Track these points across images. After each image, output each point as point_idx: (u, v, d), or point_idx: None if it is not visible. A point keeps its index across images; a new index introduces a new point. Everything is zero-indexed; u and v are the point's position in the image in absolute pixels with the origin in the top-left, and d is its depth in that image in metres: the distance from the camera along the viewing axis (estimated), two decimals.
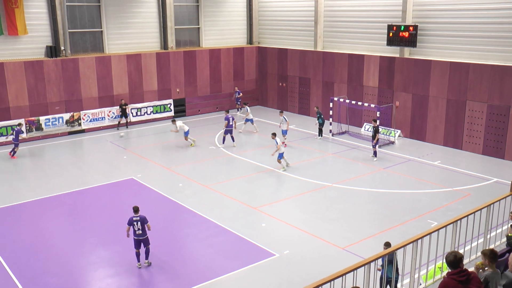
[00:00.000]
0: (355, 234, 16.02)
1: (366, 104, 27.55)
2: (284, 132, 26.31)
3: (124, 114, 30.74)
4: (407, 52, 27.35)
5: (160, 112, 33.04)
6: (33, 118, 28.33)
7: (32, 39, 28.57)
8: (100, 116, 30.61)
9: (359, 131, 29.10)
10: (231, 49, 35.78)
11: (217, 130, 29.96)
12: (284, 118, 26.59)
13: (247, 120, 29.38)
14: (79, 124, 29.88)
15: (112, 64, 30.76)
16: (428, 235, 9.61)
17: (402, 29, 26.44)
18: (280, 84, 35.44)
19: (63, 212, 18.77)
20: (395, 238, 14.87)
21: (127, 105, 30.78)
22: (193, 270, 14.22)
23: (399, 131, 27.67)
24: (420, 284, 10.12)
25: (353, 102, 28.13)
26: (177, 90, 33.56)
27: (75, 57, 29.62)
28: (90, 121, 30.29)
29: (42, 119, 28.60)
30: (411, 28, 26.12)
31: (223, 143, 26.49)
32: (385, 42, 27.51)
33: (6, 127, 27.46)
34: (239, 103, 34.63)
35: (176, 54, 33.23)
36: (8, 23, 27.36)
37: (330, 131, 28.27)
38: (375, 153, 23.88)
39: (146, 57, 32.03)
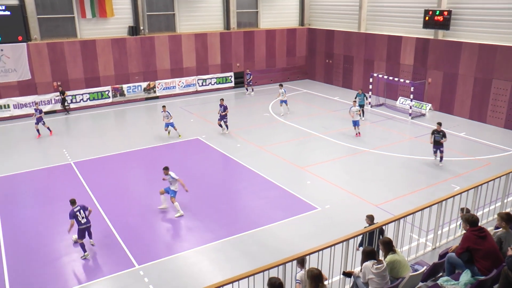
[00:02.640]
0: (387, 194, 15.81)
1: (401, 80, 26.73)
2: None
3: (63, 102, 27.28)
4: (441, 34, 26.17)
5: (222, 83, 33.14)
6: (117, 86, 29.09)
7: (117, 20, 29.03)
8: (171, 85, 31.01)
9: (395, 103, 28.34)
10: (285, 30, 35.22)
11: (271, 99, 29.85)
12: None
13: (282, 101, 26.34)
14: (154, 92, 30.42)
15: (182, 41, 30.90)
16: (452, 198, 9.43)
17: (437, 13, 25.34)
18: (327, 61, 34.77)
19: (140, 164, 19.34)
20: (422, 199, 14.65)
21: (65, 92, 27.06)
22: (247, 218, 14.44)
23: (430, 104, 26.77)
24: (442, 239, 9.99)
25: (390, 78, 27.40)
26: (237, 64, 33.48)
27: (151, 35, 29.93)
28: (163, 89, 30.76)
29: (125, 86, 29.30)
30: (445, 13, 24.96)
31: (226, 129, 22.94)
32: (421, 25, 26.44)
33: (97, 92, 28.41)
34: (251, 84, 31.98)
35: (237, 34, 33.02)
36: (99, 7, 27.93)
37: (369, 103, 27.68)
38: (441, 158, 18.42)
39: (211, 36, 31.98)
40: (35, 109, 22.93)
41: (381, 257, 7.76)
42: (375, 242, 8.84)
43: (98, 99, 28.57)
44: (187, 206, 15.22)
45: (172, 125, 22.37)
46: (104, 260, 12.30)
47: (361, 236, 9.55)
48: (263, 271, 6.97)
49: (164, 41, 30.25)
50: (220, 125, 22.76)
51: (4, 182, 17.46)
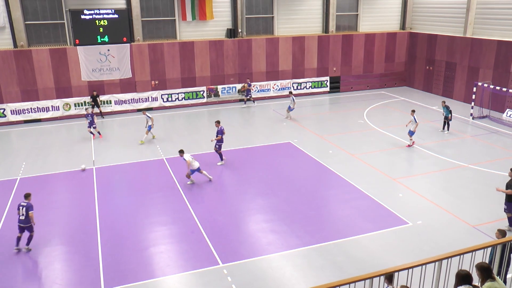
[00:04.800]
0: (486, 215, 14.89)
1: (511, 90, 25.00)
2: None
3: (96, 104, 27.40)
4: None
5: (318, 87, 33.08)
6: (212, 86, 30.14)
7: (216, 23, 30.13)
8: (266, 87, 31.52)
9: (501, 116, 26.56)
10: (385, 34, 34.41)
11: (366, 106, 29.37)
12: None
13: (289, 108, 26.27)
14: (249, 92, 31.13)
15: (280, 44, 31.31)
16: None
17: None
18: (427, 67, 33.46)
19: (231, 165, 19.86)
20: None
21: (98, 96, 27.54)
22: (334, 226, 14.33)
23: None
24: None
25: (497, 87, 25.71)
26: (334, 69, 33.28)
27: (249, 38, 30.66)
28: (258, 91, 31.34)
29: (219, 87, 30.28)
30: None
31: (221, 159, 20.00)
32: None
33: (192, 92, 29.65)
34: (249, 96, 29.94)
35: (335, 37, 32.83)
36: (199, 11, 29.21)
37: (471, 114, 26.24)
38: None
39: (309, 39, 32.08)
40: (86, 114, 23.50)
41: (476, 283, 7.38)
42: (504, 260, 8.41)
43: (192, 98, 29.84)
44: (275, 210, 15.44)
45: (149, 128, 22.56)
46: (189, 254, 12.83)
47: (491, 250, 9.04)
48: (348, 283, 6.90)
49: (261, 43, 30.86)
50: (219, 154, 19.93)
51: (104, 172, 18.84)
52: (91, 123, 22.94)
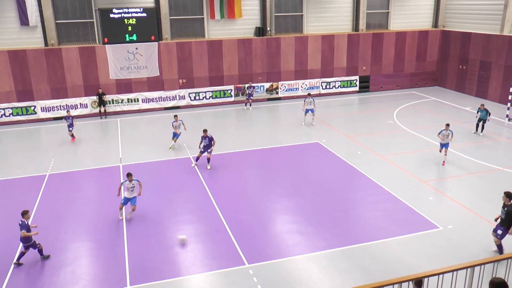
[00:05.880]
0: None
1: None
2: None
3: (102, 102, 27.57)
4: None
5: (347, 86, 32.82)
6: (240, 85, 30.20)
7: (245, 21, 30.19)
8: (294, 86, 31.42)
9: None
10: (416, 32, 33.87)
11: (396, 106, 29.00)
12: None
13: (307, 110, 24.99)
14: (277, 93, 31.07)
15: (309, 43, 31.16)
16: None
17: None
18: (460, 66, 32.79)
19: (257, 164, 19.86)
20: None
21: (105, 94, 27.56)
22: (362, 229, 14.17)
23: None
24: None
25: None
26: (363, 68, 32.94)
27: (278, 36, 30.61)
28: (286, 90, 31.29)
29: (247, 86, 30.33)
30: None
31: (197, 161, 19.62)
32: None
33: (220, 91, 29.79)
34: (251, 98, 29.37)
35: (365, 36, 32.50)
36: (228, 9, 29.32)
37: (507, 115, 25.61)
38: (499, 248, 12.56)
39: (338, 37, 31.85)
40: (65, 117, 22.96)
41: None
42: None
43: (220, 97, 29.98)
44: (301, 211, 15.38)
45: (177, 136, 21.57)
46: (215, 254, 12.88)
47: None
48: (376, 287, 6.84)
49: (290, 42, 30.78)
50: (197, 159, 19.53)
51: (130, 169, 19.05)
52: (70, 126, 22.78)
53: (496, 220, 12.68)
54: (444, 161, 19.22)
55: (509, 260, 7.66)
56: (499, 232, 12.31)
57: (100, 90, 27.46)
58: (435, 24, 34.84)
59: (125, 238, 13.75)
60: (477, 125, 23.17)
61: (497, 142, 22.13)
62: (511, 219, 12.08)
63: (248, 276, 11.81)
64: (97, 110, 27.64)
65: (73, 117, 23.15)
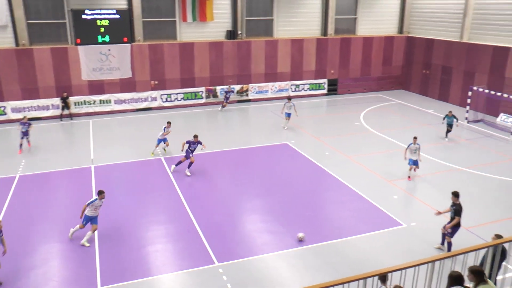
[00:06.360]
0: (480, 217, 14.92)
1: (505, 95, 24.98)
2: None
3: (66, 105, 26.63)
4: None
5: (315, 89, 33.08)
6: (211, 87, 30.10)
7: (216, 24, 30.07)
8: (264, 89, 31.49)
9: (495, 120, 26.60)
10: (383, 38, 34.42)
11: (363, 108, 29.40)
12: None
13: (287, 114, 24.69)
14: (247, 95, 31.08)
15: (279, 46, 31.29)
16: None
17: None
18: (424, 71, 33.48)
19: (228, 165, 19.82)
20: None
21: (68, 97, 26.63)
22: (330, 227, 14.32)
23: None
24: None
25: (492, 92, 25.75)
26: (332, 71, 33.27)
27: (248, 40, 30.64)
28: (256, 92, 31.33)
29: (218, 88, 30.23)
30: None
31: (177, 165, 18.88)
32: None
33: (191, 92, 29.63)
34: (227, 101, 29.05)
35: (333, 40, 32.83)
36: (200, 12, 29.16)
37: (466, 118, 26.25)
38: (445, 243, 13.07)
39: (307, 41, 32.08)
40: (22, 122, 21.18)
41: (467, 284, 7.37)
42: (495, 262, 8.41)
43: (191, 99, 29.81)
44: (271, 210, 15.42)
45: (165, 140, 20.81)
46: (185, 253, 12.80)
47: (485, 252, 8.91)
48: (342, 283, 6.89)
49: (261, 45, 30.84)
50: (180, 163, 18.80)
51: (102, 170, 18.82)
52: (25, 134, 21.09)
53: (444, 212, 13.23)
54: (410, 177, 18.16)
55: (465, 254, 7.87)
56: (449, 230, 12.76)
57: (65, 94, 26.70)
58: (401, 30, 35.47)
59: (96, 239, 13.52)
60: (447, 131, 23.06)
61: (457, 143, 22.66)
62: (456, 216, 12.65)
63: (218, 275, 11.77)
64: (68, 112, 26.95)
65: (30, 123, 21.44)
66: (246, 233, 14.00)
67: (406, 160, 18.23)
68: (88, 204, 13.19)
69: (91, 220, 13.32)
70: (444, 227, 12.92)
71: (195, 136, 18.69)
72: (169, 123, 20.98)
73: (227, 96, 29.02)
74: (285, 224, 14.46)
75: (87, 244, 13.13)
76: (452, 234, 12.75)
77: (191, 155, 18.45)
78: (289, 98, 25.18)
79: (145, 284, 11.45)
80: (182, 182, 17.71)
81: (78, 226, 13.47)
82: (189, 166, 18.50)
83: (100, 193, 13.34)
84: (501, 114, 26.60)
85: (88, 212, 13.22)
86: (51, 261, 12.48)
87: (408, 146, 18.13)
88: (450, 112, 23.07)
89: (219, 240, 13.45)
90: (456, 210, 12.67)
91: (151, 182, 17.79)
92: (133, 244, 13.25)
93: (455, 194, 12.81)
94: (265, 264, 12.31)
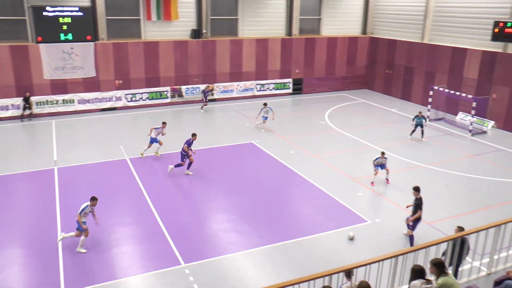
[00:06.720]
0: (441, 212, 15.30)
1: (463, 94, 25.75)
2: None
3: (28, 105, 25.81)
4: (511, 48, 25.08)
5: (280, 89, 33.22)
6: (176, 87, 29.82)
7: (181, 23, 29.80)
8: (230, 88, 31.40)
9: (454, 119, 27.39)
10: (347, 38, 34.87)
11: (328, 107, 29.70)
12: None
13: (264, 117, 24.24)
14: (212, 94, 30.88)
15: (243, 46, 31.26)
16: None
17: (508, 25, 24.18)
18: (387, 71, 34.11)
19: (194, 165, 19.57)
20: (478, 220, 14.11)
21: (30, 97, 25.83)
22: (296, 225, 14.39)
23: (493, 122, 25.66)
24: (499, 265, 9.55)
25: (452, 91, 26.50)
26: (296, 71, 33.47)
27: (213, 39, 30.49)
28: (222, 92, 31.21)
29: (183, 88, 29.97)
30: None
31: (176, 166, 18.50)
32: (489, 38, 25.35)
33: (156, 92, 29.27)
34: (206, 100, 28.77)
35: (298, 40, 33.04)
36: (164, 11, 28.84)
37: (428, 116, 26.86)
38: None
39: (272, 41, 32.18)
40: None
41: (428, 277, 7.53)
42: (454, 254, 8.72)
43: (156, 98, 29.43)
44: (237, 209, 15.39)
45: (156, 141, 20.29)
46: (151, 255, 12.62)
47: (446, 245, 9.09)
48: (308, 280, 6.94)
49: (226, 45, 30.74)
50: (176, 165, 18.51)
51: (65, 172, 18.35)
52: None
53: (407, 207, 13.83)
54: (372, 182, 17.75)
55: (427, 249, 8.05)
56: (410, 224, 13.18)
57: (27, 94, 25.84)
58: (364, 31, 36.02)
59: (59, 243, 13.14)
60: (413, 131, 23.22)
61: (419, 141, 23.15)
62: (418, 209, 13.13)
63: (185, 276, 11.65)
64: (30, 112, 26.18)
65: None
66: (212, 233, 13.92)
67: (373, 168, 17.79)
68: (80, 213, 12.74)
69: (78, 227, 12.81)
70: (407, 219, 13.32)
71: (194, 135, 18.55)
72: (164, 123, 20.52)
73: (206, 95, 28.76)
74: (251, 223, 14.45)
75: (83, 251, 12.71)
76: (413, 227, 13.14)
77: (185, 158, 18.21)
78: (265, 104, 24.63)
79: (110, 287, 11.21)
80: (148, 182, 17.46)
81: (75, 234, 12.94)
82: (188, 167, 18.43)
83: (93, 199, 12.93)
84: (460, 113, 27.39)
85: (82, 218, 12.77)
86: (12, 266, 12.06)
87: (375, 160, 17.67)
88: (420, 112, 23.36)
89: (185, 241, 13.32)
90: (417, 204, 13.15)
91: (116, 183, 17.47)
92: (97, 247, 12.96)
93: (416, 189, 13.28)
94: (232, 263, 12.27)
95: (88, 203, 12.92)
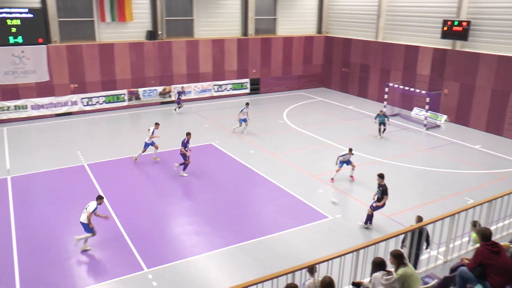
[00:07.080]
0: (399, 205, 15.67)
1: (417, 90, 26.56)
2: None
3: None
4: (459, 45, 26.00)
5: (238, 89, 33.21)
6: (133, 89, 29.32)
7: (136, 24, 29.32)
8: (187, 90, 31.09)
9: (410, 114, 28.16)
10: (303, 38, 35.24)
11: (286, 106, 29.91)
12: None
13: (241, 120, 23.99)
14: (170, 96, 30.54)
15: (200, 47, 31.08)
16: (465, 211, 9.31)
17: (456, 24, 25.20)
18: (343, 69, 34.69)
19: (153, 168, 19.35)
20: (434, 211, 14.51)
21: None
22: (258, 225, 14.42)
23: (445, 116, 26.55)
24: (454, 253, 9.86)
25: (406, 88, 27.26)
26: (253, 71, 33.55)
27: (169, 40, 30.17)
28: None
29: (140, 90, 29.50)
30: (464, 23, 24.83)
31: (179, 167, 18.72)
32: (439, 35, 26.31)
33: (113, 95, 28.70)
34: (180, 102, 28.28)
35: (254, 40, 33.12)
36: (119, 12, 28.28)
37: (389, 123, 27.30)
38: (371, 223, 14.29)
39: (228, 42, 32.13)
40: None
41: (389, 268, 7.69)
42: (421, 243, 9.28)
43: (113, 102, 28.84)
44: (199, 211, 15.27)
45: (152, 144, 20.02)
46: (112, 262, 12.36)
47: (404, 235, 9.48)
48: (272, 278, 6.95)
49: (182, 46, 30.46)
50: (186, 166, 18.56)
51: (20, 181, 17.70)
52: None
53: (373, 197, 14.30)
54: (332, 178, 17.90)
55: (387, 241, 8.22)
56: (374, 205, 14.01)
57: None
58: (319, 30, 36.48)
59: (14, 255, 12.64)
60: (379, 130, 23.49)
61: (376, 137, 23.62)
62: (384, 195, 13.90)
63: (148, 281, 11.46)
64: None
65: None
66: (174, 236, 13.76)
67: (337, 165, 17.83)
68: (93, 211, 12.71)
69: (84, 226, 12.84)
70: (371, 206, 13.96)
71: (188, 134, 18.58)
72: (157, 124, 20.08)
73: (179, 97, 28.25)
74: (213, 225, 14.38)
75: (88, 248, 12.89)
76: (375, 209, 13.92)
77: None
78: (247, 103, 24.53)
79: None
80: (107, 188, 17.07)
81: (90, 234, 12.85)
82: (184, 169, 18.40)
83: (99, 198, 12.96)
84: (415, 108, 28.17)
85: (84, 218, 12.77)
86: None
87: (343, 156, 17.66)
88: (381, 111, 23.67)
89: (147, 246, 13.10)
90: (384, 190, 13.88)
91: (74, 190, 16.95)
92: (55, 257, 12.56)
93: (381, 176, 13.99)
94: (195, 266, 12.16)
95: (95, 202, 12.83)
